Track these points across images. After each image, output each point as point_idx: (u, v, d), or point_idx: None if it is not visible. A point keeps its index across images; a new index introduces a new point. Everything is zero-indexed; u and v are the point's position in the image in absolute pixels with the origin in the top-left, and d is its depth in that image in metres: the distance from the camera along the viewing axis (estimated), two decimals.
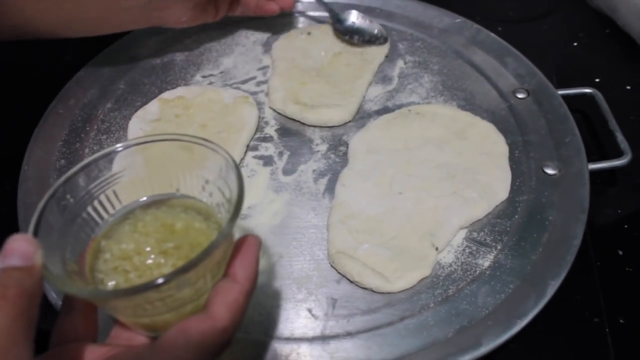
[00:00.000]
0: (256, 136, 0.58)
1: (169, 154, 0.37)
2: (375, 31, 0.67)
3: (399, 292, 0.45)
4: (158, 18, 0.57)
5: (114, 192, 0.37)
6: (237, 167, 0.34)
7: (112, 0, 0.54)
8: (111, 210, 0.37)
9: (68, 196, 0.35)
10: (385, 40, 0.67)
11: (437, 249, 0.47)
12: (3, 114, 0.64)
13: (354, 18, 0.68)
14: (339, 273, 0.47)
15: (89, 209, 0.36)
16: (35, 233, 0.31)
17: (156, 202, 0.37)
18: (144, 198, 0.38)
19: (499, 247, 0.48)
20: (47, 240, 0.32)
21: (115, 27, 0.58)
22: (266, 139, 0.58)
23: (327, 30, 0.69)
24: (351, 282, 0.46)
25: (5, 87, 0.66)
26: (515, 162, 0.55)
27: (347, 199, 0.51)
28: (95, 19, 0.55)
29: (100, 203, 0.37)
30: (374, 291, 0.46)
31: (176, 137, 0.36)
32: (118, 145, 0.37)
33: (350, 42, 0.67)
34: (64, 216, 0.34)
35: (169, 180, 0.38)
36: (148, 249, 0.33)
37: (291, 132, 0.59)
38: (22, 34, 0.55)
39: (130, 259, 0.33)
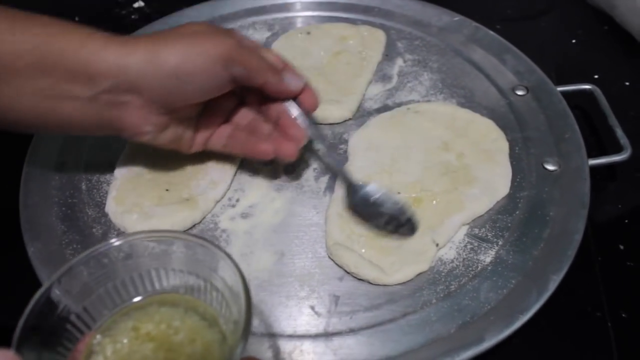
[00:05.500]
0: None
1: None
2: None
3: (396, 285, 0.46)
4: (112, 119, 0.44)
5: (115, 286, 0.36)
6: (244, 281, 0.32)
7: (53, 86, 0.41)
8: (111, 306, 0.36)
9: (62, 292, 0.33)
10: (412, 230, 0.49)
11: (437, 245, 0.48)
12: None
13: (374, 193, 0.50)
14: (341, 269, 0.47)
15: (85, 306, 0.35)
16: (21, 343, 0.30)
17: (159, 299, 0.36)
18: (147, 291, 0.37)
19: (500, 242, 0.49)
20: (34, 344, 0.31)
21: (57, 124, 0.44)
22: None
23: (326, 29, 0.69)
24: (353, 279, 0.46)
25: None
26: (515, 159, 0.55)
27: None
28: (30, 109, 0.42)
29: (100, 297, 0.35)
30: (371, 283, 0.46)
31: (183, 237, 0.35)
32: (113, 240, 0.35)
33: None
34: (57, 314, 0.33)
35: (174, 280, 0.37)
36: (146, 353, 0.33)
37: None
38: None
39: None
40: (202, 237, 0.35)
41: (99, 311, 0.35)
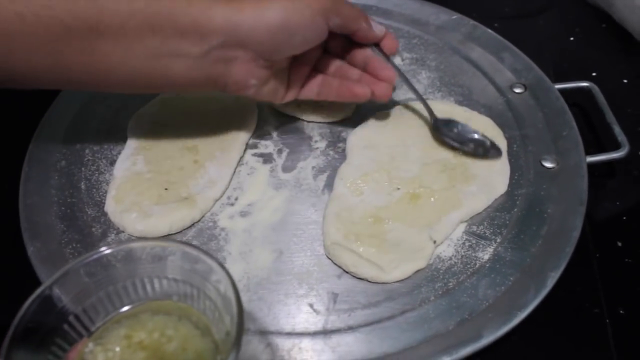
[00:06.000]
0: (255, 134, 0.58)
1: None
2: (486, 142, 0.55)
3: (394, 282, 0.46)
4: (219, 75, 0.46)
5: (107, 294, 0.36)
6: (236, 290, 0.32)
7: (162, 45, 0.42)
8: (103, 313, 0.36)
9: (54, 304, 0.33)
10: (497, 153, 0.54)
11: (434, 242, 0.48)
12: (4, 115, 0.64)
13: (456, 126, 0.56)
14: (338, 267, 0.47)
15: (78, 314, 0.34)
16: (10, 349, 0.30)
17: (152, 306, 0.36)
18: (140, 299, 0.36)
19: (498, 240, 0.49)
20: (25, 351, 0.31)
21: (165, 83, 0.46)
22: (265, 136, 0.58)
23: None
24: (352, 277, 0.46)
25: (4, 87, 0.67)
26: (513, 156, 0.55)
27: (345, 192, 0.51)
28: (136, 70, 0.43)
29: (93, 306, 0.35)
30: (369, 281, 0.46)
31: (181, 247, 0.35)
32: (103, 248, 0.35)
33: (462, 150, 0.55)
34: (52, 317, 0.33)
35: (168, 288, 0.37)
36: None
37: (290, 129, 0.59)
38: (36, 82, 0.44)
39: None
40: (196, 246, 0.35)
41: (91, 319, 0.35)
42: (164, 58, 0.43)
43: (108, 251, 0.35)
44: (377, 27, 0.52)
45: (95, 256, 0.34)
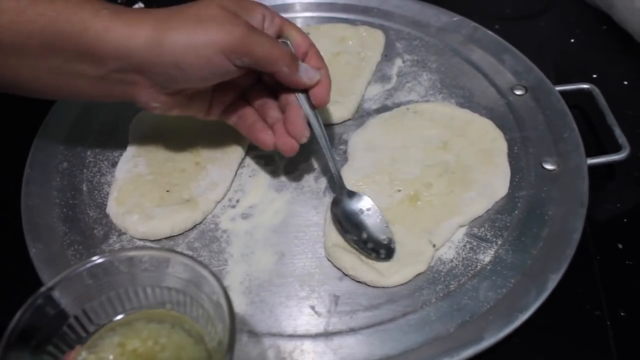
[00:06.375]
0: None
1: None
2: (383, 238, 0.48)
3: (393, 286, 0.46)
4: (122, 94, 0.45)
5: (101, 303, 0.36)
6: (229, 300, 0.32)
7: (64, 65, 0.43)
8: (96, 321, 0.36)
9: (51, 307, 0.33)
10: (389, 255, 0.47)
11: (434, 246, 0.48)
12: (5, 117, 0.64)
13: (363, 206, 0.49)
14: (337, 268, 0.47)
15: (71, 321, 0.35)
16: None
17: (146, 314, 0.36)
18: (133, 307, 0.37)
19: (499, 242, 0.49)
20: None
21: (72, 95, 0.47)
22: None
23: (325, 30, 0.69)
24: (353, 279, 0.47)
25: None
26: (514, 158, 0.55)
27: None
28: (49, 83, 0.45)
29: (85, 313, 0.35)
30: (369, 285, 0.46)
31: (171, 256, 0.35)
32: (95, 257, 0.35)
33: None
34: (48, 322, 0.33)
35: (160, 296, 0.37)
36: None
37: None
38: None
39: None
40: (188, 255, 0.35)
41: (85, 327, 0.35)
42: (67, 76, 0.44)
43: (104, 259, 0.35)
44: (307, 74, 0.47)
45: (93, 263, 0.34)
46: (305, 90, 0.48)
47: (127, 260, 0.35)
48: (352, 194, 0.49)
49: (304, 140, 0.48)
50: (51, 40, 0.41)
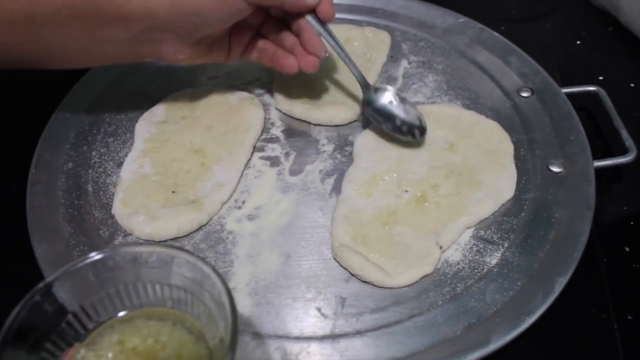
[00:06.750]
0: (262, 137, 0.58)
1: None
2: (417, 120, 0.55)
3: (399, 287, 0.46)
4: (150, 53, 0.50)
5: (101, 300, 0.36)
6: (231, 297, 0.32)
7: (94, 33, 0.47)
8: (95, 318, 0.35)
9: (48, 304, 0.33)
10: (422, 132, 0.55)
11: (441, 247, 0.48)
12: (11, 118, 0.64)
13: (388, 98, 0.55)
14: (346, 271, 0.47)
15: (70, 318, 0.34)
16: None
17: (146, 312, 0.36)
18: (133, 304, 0.36)
19: (506, 244, 0.49)
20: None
21: (101, 60, 0.53)
22: (272, 139, 0.58)
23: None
24: (360, 280, 0.46)
25: (12, 90, 0.67)
26: (520, 161, 0.55)
27: (353, 194, 0.51)
28: (77, 51, 0.49)
29: (84, 309, 0.35)
30: (375, 286, 0.46)
31: (174, 253, 0.35)
32: (93, 253, 0.34)
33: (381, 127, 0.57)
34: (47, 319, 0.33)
35: (161, 294, 0.37)
36: None
37: (297, 132, 0.59)
38: None
39: None
40: (192, 253, 0.35)
41: (84, 324, 0.35)
42: (97, 42, 0.48)
43: (104, 255, 0.34)
44: None
45: (93, 258, 0.34)
46: (313, 11, 0.52)
47: (131, 257, 0.35)
48: (377, 90, 0.55)
49: (323, 54, 0.52)
50: (81, 10, 0.45)
